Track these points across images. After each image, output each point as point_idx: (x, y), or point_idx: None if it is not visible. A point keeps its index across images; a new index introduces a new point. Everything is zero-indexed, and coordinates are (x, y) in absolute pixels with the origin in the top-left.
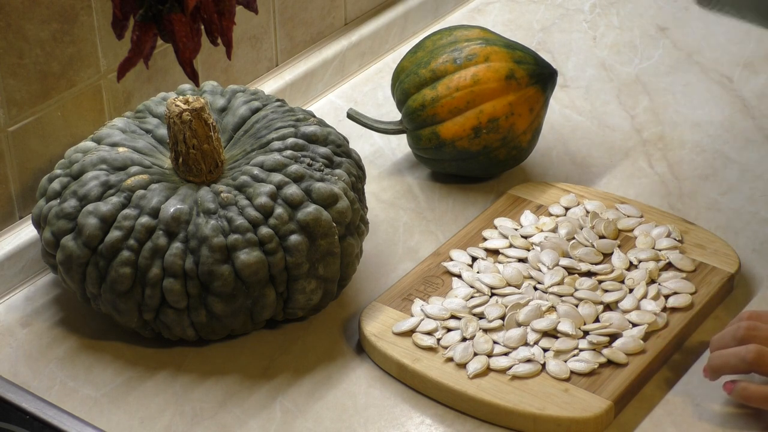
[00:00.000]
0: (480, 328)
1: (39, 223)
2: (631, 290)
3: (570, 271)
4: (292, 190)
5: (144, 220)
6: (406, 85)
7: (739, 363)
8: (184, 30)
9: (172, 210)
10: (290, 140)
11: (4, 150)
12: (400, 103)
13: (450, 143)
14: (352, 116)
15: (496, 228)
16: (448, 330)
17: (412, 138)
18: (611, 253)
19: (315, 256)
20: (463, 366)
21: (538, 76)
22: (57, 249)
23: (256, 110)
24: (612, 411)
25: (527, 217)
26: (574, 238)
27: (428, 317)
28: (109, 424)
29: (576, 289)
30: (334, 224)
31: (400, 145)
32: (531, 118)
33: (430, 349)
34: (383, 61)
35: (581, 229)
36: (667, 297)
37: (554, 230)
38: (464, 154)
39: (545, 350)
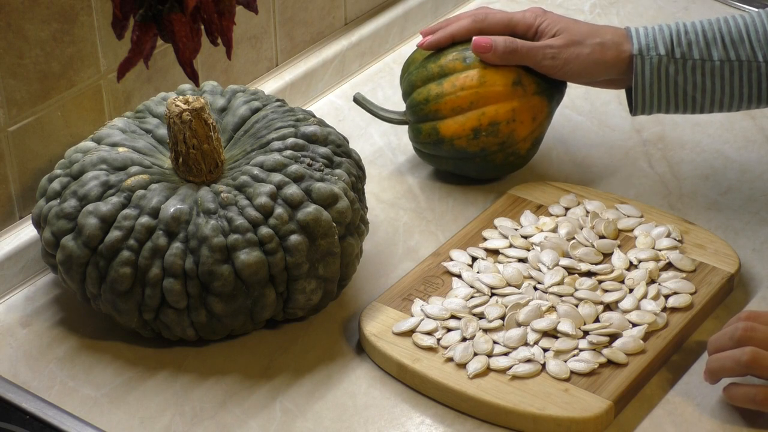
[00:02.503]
0: (480, 328)
1: (39, 223)
2: (631, 290)
3: (570, 271)
4: (292, 190)
5: (144, 220)
6: (414, 77)
7: (735, 365)
8: (184, 30)
9: (172, 210)
10: (290, 140)
11: (4, 150)
12: (406, 95)
13: (448, 141)
14: (359, 101)
15: (496, 228)
16: (448, 330)
17: (413, 131)
18: (611, 253)
19: (315, 256)
20: (463, 366)
21: (546, 86)
22: (57, 249)
23: (256, 110)
24: (612, 411)
25: (527, 217)
26: (574, 238)
27: (428, 317)
28: (109, 424)
29: (576, 289)
30: (334, 224)
31: (400, 145)
32: (533, 126)
33: (430, 349)
34: (383, 61)
35: (581, 229)
36: (667, 297)
37: (554, 230)
38: (462, 153)
39: (545, 350)
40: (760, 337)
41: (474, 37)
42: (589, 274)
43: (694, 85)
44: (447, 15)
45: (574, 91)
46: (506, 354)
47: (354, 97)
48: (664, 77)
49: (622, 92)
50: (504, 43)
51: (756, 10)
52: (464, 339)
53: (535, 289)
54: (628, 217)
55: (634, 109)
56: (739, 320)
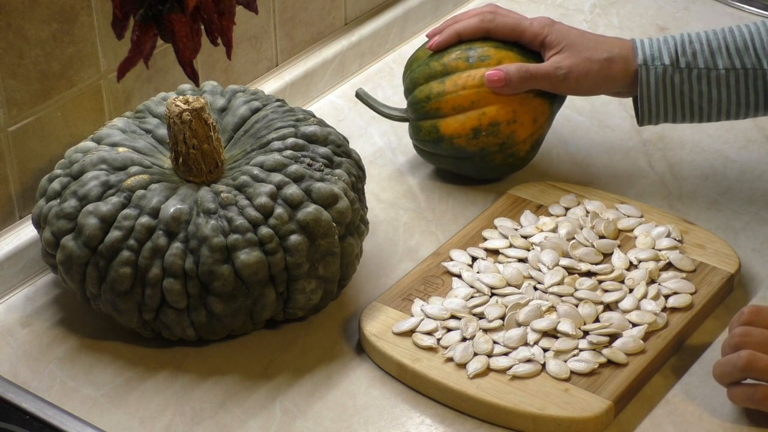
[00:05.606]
0: (480, 328)
1: (39, 223)
2: (631, 290)
3: (570, 271)
4: (292, 190)
5: (144, 220)
6: (416, 74)
7: (733, 370)
8: (184, 30)
9: (172, 210)
10: (290, 140)
11: (4, 150)
12: (408, 92)
13: (448, 140)
14: (361, 96)
15: (496, 228)
16: (448, 330)
17: (413, 128)
18: (611, 253)
19: (315, 256)
20: (463, 366)
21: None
22: (57, 249)
23: (256, 110)
24: (612, 411)
25: (527, 217)
26: (574, 238)
27: (428, 317)
28: (109, 424)
29: (576, 289)
30: (334, 224)
31: (400, 145)
32: (533, 128)
33: (430, 349)
34: (383, 61)
35: (581, 229)
36: (667, 297)
37: (554, 230)
38: (461, 152)
39: (545, 350)
40: (755, 341)
41: (486, 73)
42: (589, 274)
43: (700, 94)
44: (447, 15)
45: None
46: (506, 354)
47: (356, 92)
48: (670, 87)
49: None
50: (518, 72)
51: (757, 11)
52: (464, 339)
53: (535, 289)
54: (628, 217)
55: (641, 120)
56: (742, 315)
